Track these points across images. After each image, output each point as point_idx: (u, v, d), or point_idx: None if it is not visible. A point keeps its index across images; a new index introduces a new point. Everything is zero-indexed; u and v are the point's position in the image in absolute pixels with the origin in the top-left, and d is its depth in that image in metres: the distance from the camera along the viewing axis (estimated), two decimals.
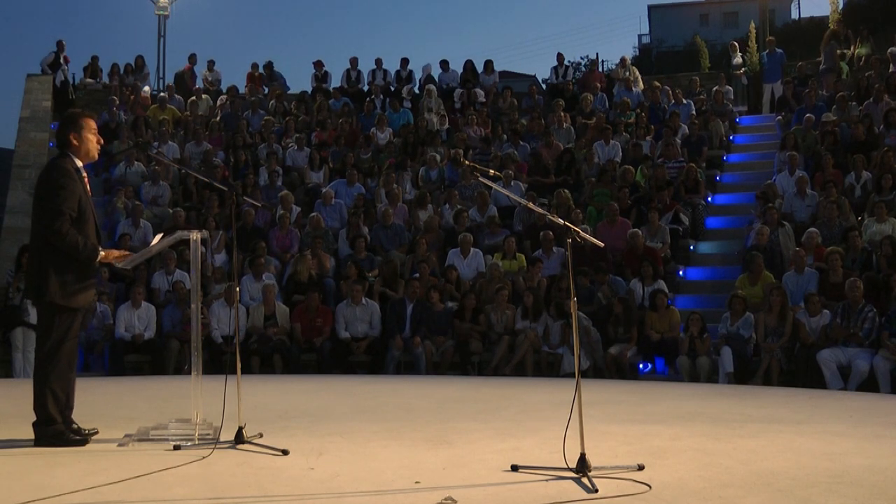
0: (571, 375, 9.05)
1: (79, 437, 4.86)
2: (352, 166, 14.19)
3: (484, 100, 17.19)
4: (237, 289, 6.39)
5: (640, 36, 41.57)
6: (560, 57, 18.90)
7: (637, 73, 18.15)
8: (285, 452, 4.53)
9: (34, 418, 4.79)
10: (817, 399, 7.48)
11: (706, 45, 25.29)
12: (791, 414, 6.33)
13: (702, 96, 16.35)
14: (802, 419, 6.03)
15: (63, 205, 4.74)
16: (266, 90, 18.18)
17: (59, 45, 17.98)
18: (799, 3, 50.57)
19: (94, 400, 6.55)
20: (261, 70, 18.84)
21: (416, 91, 17.96)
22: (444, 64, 18.36)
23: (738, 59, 18.04)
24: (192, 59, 19.01)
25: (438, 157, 14.37)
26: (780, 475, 4.05)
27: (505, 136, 15.03)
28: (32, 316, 9.34)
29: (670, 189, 12.53)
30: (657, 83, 16.84)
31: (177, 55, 57.23)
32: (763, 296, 9.95)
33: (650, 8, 41.72)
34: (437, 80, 17.91)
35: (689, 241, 12.27)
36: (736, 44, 18.72)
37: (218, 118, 16.58)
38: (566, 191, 12.57)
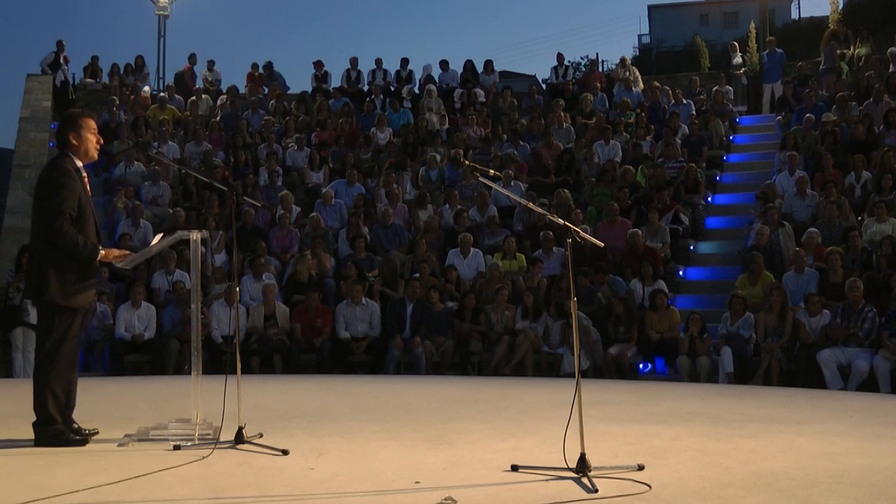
0: (571, 375, 9.05)
1: (79, 437, 4.86)
2: (352, 166, 14.19)
3: (484, 100, 17.18)
4: (237, 289, 6.38)
5: (640, 36, 41.63)
6: (560, 57, 18.91)
7: (637, 73, 18.15)
8: (285, 452, 4.53)
9: (34, 418, 4.79)
10: (817, 399, 7.48)
11: (706, 45, 25.27)
12: (791, 414, 6.32)
13: (702, 96, 16.34)
14: (802, 419, 6.03)
15: (63, 204, 4.74)
16: (266, 90, 18.17)
17: (59, 45, 17.97)
18: (799, 3, 50.61)
19: (94, 400, 6.54)
20: (261, 70, 18.85)
21: (416, 91, 17.96)
22: (444, 64, 18.36)
23: (738, 59, 18.03)
24: (192, 59, 19.01)
25: (438, 157, 14.37)
26: (780, 475, 4.05)
27: (505, 136, 15.03)
28: (32, 316, 9.34)
29: (670, 189, 12.53)
30: (657, 83, 16.84)
31: (177, 55, 57.36)
32: (763, 296, 9.94)
33: (650, 8, 41.74)
34: (437, 80, 17.91)
35: (689, 241, 12.27)
36: (736, 44, 18.71)
37: (218, 118, 16.58)
38: (566, 191, 12.57)
